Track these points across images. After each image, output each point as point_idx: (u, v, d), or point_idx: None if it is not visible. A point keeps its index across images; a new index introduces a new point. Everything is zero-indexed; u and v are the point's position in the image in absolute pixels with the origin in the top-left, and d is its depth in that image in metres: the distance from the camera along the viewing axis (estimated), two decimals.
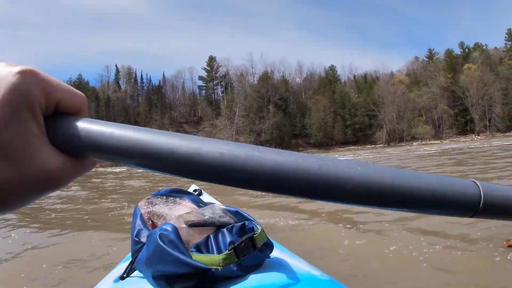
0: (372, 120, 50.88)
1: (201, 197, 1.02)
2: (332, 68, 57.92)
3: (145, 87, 64.36)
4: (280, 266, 0.62)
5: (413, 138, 48.40)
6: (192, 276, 0.51)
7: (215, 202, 0.74)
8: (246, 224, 0.61)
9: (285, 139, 49.70)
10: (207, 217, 0.61)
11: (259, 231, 0.58)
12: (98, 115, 47.06)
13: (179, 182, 7.86)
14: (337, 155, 24.36)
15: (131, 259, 0.67)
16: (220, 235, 0.58)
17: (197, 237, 0.58)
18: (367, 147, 45.83)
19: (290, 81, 56.90)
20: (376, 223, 2.82)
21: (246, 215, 0.66)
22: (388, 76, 56.23)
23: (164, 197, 0.78)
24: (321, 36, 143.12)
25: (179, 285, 0.52)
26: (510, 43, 56.45)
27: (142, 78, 64.41)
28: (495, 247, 1.85)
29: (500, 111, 48.98)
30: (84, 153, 0.21)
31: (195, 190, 1.26)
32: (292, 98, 52.56)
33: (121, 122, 0.25)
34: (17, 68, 0.20)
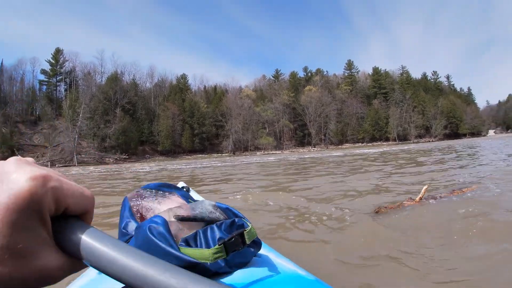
0: (219, 130, 52.88)
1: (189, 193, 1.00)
2: (184, 77, 58.20)
3: None
4: (267, 264, 0.62)
5: (257, 148, 52.15)
6: None
7: (203, 199, 0.76)
8: (236, 221, 0.60)
9: (131, 145, 46.85)
10: (197, 212, 0.60)
11: (250, 227, 0.57)
12: None
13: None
14: (183, 162, 24.35)
15: None
16: (209, 230, 0.58)
17: (186, 231, 0.57)
18: (214, 156, 46.92)
19: (140, 85, 54.61)
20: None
21: (237, 212, 0.65)
22: (236, 90, 60.00)
23: (154, 190, 0.76)
24: (175, 45, 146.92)
25: None
26: (348, 71, 67.26)
27: None
28: (369, 213, 2.79)
29: (334, 127, 57.26)
30: (81, 257, 0.24)
31: (183, 187, 1.17)
32: (141, 103, 50.30)
33: None
34: (30, 173, 0.21)
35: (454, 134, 63.08)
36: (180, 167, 16.67)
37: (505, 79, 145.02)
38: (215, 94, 56.57)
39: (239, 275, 0.55)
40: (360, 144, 57.54)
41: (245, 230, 0.56)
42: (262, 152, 50.08)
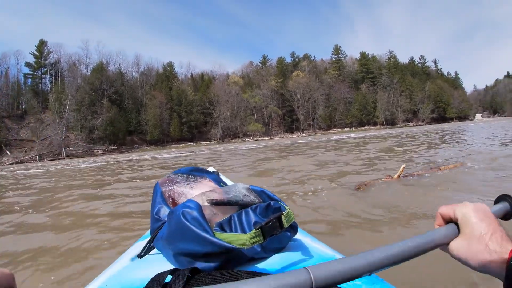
0: (208, 117, 52.95)
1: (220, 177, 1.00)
2: (170, 65, 57.72)
3: None
4: (303, 249, 0.60)
5: (245, 135, 52.46)
6: (217, 255, 0.48)
7: (233, 183, 0.73)
8: (272, 204, 0.58)
9: (119, 136, 46.74)
10: (231, 195, 0.58)
11: (287, 211, 0.55)
12: None
13: None
14: (173, 151, 24.73)
15: (149, 237, 0.64)
16: (243, 214, 0.56)
17: (220, 216, 0.55)
18: (203, 144, 47.11)
19: (126, 74, 54.12)
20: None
21: (272, 195, 0.63)
22: (224, 76, 59.99)
23: (185, 175, 0.76)
24: (161, 32, 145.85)
25: (201, 264, 0.49)
26: (335, 56, 67.52)
27: None
28: (350, 189, 3.25)
29: (322, 112, 57.65)
30: None
31: (213, 172, 1.11)
32: (128, 93, 49.98)
33: None
34: None
35: (442, 118, 63.89)
36: (169, 156, 16.74)
37: (492, 64, 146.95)
38: (202, 82, 56.43)
39: (276, 260, 0.53)
40: (348, 128, 58.12)
41: (283, 214, 0.54)
42: (251, 139, 50.39)
